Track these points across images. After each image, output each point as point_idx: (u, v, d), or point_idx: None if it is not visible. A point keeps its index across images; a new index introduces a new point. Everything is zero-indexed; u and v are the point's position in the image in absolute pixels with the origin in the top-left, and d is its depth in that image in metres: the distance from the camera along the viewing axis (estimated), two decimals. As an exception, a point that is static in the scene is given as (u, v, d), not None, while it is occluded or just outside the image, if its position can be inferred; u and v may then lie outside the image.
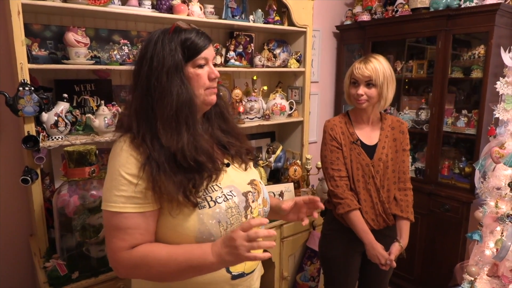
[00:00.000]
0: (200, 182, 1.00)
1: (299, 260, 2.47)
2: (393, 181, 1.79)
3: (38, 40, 1.85)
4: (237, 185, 1.09)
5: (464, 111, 2.61)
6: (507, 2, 2.30)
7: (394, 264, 1.70)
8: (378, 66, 1.67)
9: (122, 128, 1.06)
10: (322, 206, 1.19)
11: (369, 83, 1.69)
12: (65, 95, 1.84)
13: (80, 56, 1.82)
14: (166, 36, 1.02)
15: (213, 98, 1.10)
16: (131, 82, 1.07)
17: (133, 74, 1.05)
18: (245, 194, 1.09)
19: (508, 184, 1.89)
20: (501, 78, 1.95)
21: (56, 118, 1.76)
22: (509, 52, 1.96)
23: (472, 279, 2.06)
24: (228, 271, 1.06)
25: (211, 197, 1.02)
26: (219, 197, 1.03)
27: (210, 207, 1.00)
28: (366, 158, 1.75)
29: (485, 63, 2.36)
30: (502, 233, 1.94)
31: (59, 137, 1.79)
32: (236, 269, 1.08)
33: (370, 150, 1.77)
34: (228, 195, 1.05)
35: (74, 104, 1.97)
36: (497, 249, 1.94)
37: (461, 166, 2.70)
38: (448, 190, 2.59)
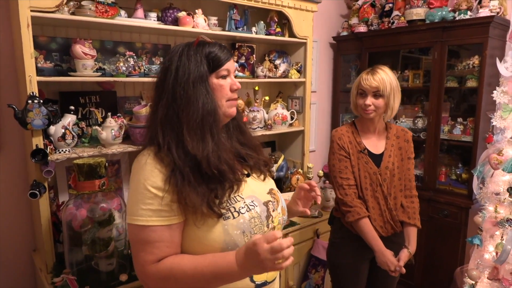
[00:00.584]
0: (222, 193, 1.02)
1: (304, 269, 2.48)
2: (399, 188, 1.83)
3: (44, 52, 1.84)
4: (257, 195, 1.11)
5: (460, 119, 2.69)
6: (499, 15, 2.39)
7: (404, 270, 1.73)
8: (385, 77, 1.72)
9: (146, 140, 1.08)
10: (318, 192, 1.24)
11: (377, 94, 1.73)
12: (72, 107, 1.83)
13: (87, 68, 1.81)
14: (191, 49, 1.06)
15: (234, 110, 1.13)
16: (153, 94, 1.09)
17: (157, 85, 1.08)
18: (266, 204, 1.11)
19: (507, 190, 1.95)
20: (497, 88, 2.03)
21: (63, 130, 1.75)
22: (504, 62, 2.05)
23: (473, 282, 2.11)
24: (252, 281, 1.08)
25: (234, 208, 1.03)
26: (242, 208, 1.04)
27: (234, 217, 1.02)
28: (373, 166, 1.79)
29: (480, 73, 2.45)
30: (502, 237, 2.00)
31: (66, 150, 1.77)
32: (260, 278, 1.09)
33: (377, 159, 1.81)
34: (251, 205, 1.07)
35: (79, 116, 1.96)
36: (497, 253, 1.99)
37: (458, 172, 2.77)
38: (446, 196, 2.66)
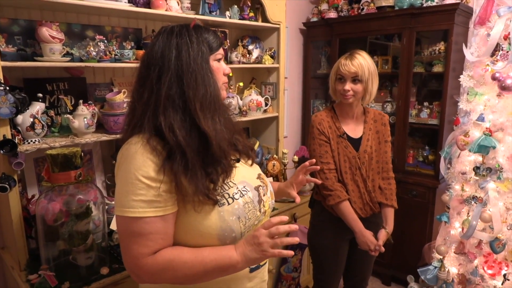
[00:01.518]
0: (216, 178, 1.00)
1: (282, 253, 2.52)
2: (377, 171, 1.89)
3: (5, 35, 1.70)
4: (248, 180, 1.11)
5: (426, 103, 2.81)
6: (463, 2, 2.50)
7: (383, 249, 1.81)
8: (364, 62, 1.75)
9: (132, 127, 1.01)
10: (315, 167, 1.35)
11: (355, 79, 1.76)
12: (40, 94, 1.72)
13: (55, 53, 1.70)
14: (189, 30, 1.03)
15: (225, 94, 1.14)
16: (140, 76, 1.02)
17: (146, 66, 1.01)
18: (257, 189, 1.12)
19: (473, 169, 2.07)
20: (463, 72, 2.13)
21: (32, 119, 1.64)
22: (469, 48, 2.15)
23: (441, 257, 2.23)
24: None
25: (228, 194, 1.03)
26: (236, 193, 1.04)
27: (229, 203, 1.01)
28: (352, 150, 1.83)
29: (446, 58, 2.55)
30: (468, 213, 2.12)
31: (35, 140, 1.66)
32: None
33: (355, 143, 1.85)
34: (243, 190, 1.07)
35: (47, 105, 1.84)
36: (463, 229, 2.11)
37: (425, 154, 2.90)
38: (414, 177, 2.78)
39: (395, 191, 1.92)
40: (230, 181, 1.06)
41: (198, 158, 0.97)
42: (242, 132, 1.23)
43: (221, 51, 1.09)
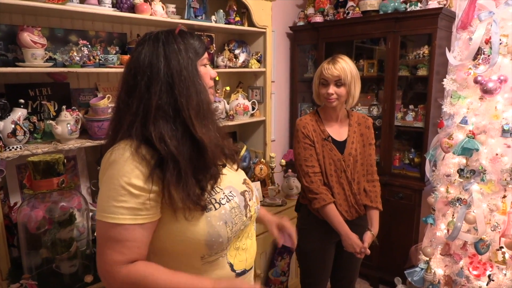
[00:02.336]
0: (205, 184, 1.00)
1: (270, 257, 2.50)
2: (362, 173, 1.90)
3: (-15, 40, 1.67)
4: (234, 185, 1.12)
5: (411, 106, 2.84)
6: (446, 6, 2.54)
7: (368, 251, 1.82)
8: (346, 66, 1.77)
9: (119, 133, 0.99)
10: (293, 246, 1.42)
11: (338, 83, 1.77)
12: (22, 100, 1.69)
13: (37, 58, 1.68)
14: (175, 36, 1.02)
15: (213, 98, 1.14)
16: (125, 83, 1.00)
17: (140, 75, 0.97)
18: (243, 194, 1.12)
19: (457, 171, 2.09)
20: (447, 76, 2.16)
21: (13, 126, 1.61)
22: (452, 52, 2.18)
23: (427, 259, 2.26)
24: (233, 270, 1.09)
25: (215, 199, 1.03)
26: (222, 199, 1.04)
27: (216, 209, 1.01)
28: (337, 153, 1.84)
29: (430, 62, 2.59)
30: (453, 215, 2.15)
31: (17, 147, 1.63)
32: (240, 267, 1.11)
33: (340, 146, 1.87)
34: (230, 195, 1.07)
35: (30, 110, 1.81)
36: (448, 230, 2.14)
37: (411, 156, 2.93)
38: (401, 180, 2.80)
39: (380, 194, 1.94)
40: (217, 186, 1.05)
41: (190, 166, 0.96)
42: (227, 137, 1.23)
43: (206, 55, 1.09)
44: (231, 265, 1.07)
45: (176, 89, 0.97)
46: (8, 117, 1.61)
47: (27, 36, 1.64)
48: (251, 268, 1.17)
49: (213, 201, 1.02)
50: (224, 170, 1.12)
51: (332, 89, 1.78)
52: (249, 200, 1.14)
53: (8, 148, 1.61)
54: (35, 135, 1.79)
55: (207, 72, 1.08)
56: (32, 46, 1.65)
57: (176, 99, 0.96)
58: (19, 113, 1.66)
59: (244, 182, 1.18)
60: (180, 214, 0.97)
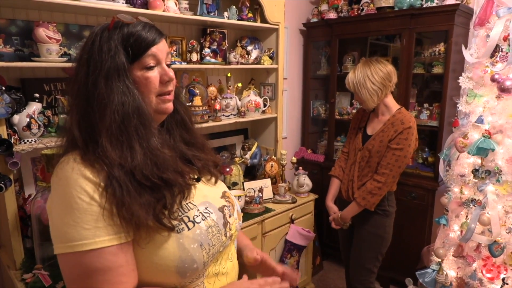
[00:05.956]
0: (171, 200, 0.85)
1: (280, 254, 2.51)
2: (373, 169, 2.00)
3: (2, 36, 1.71)
4: (211, 200, 0.97)
5: (426, 105, 2.79)
6: (464, 2, 2.48)
7: (334, 224, 2.20)
8: (350, 77, 1.99)
9: (66, 143, 0.87)
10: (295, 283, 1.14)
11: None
12: (37, 94, 1.73)
13: (52, 53, 1.71)
14: (104, 33, 0.85)
15: (168, 106, 0.93)
16: (70, 89, 0.87)
17: (72, 80, 0.86)
18: (222, 209, 0.98)
19: (472, 171, 2.05)
20: (463, 74, 2.11)
21: (28, 119, 1.65)
22: (469, 49, 2.13)
23: (439, 260, 2.22)
24: None
25: (188, 217, 0.88)
26: (197, 216, 0.89)
27: (189, 228, 0.86)
28: (359, 144, 2.09)
29: (446, 59, 2.54)
30: (466, 216, 2.11)
31: (32, 140, 1.67)
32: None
33: (366, 138, 2.08)
34: (205, 212, 0.92)
35: (44, 105, 1.85)
36: (461, 232, 2.10)
37: (425, 156, 2.88)
38: (414, 179, 2.76)
39: (371, 191, 1.99)
40: (190, 202, 0.91)
41: (135, 184, 0.80)
42: (206, 145, 1.09)
43: (155, 50, 0.87)
44: None
45: (91, 102, 0.82)
46: (24, 111, 1.65)
47: (42, 32, 1.67)
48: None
49: (185, 219, 0.87)
50: (199, 184, 0.98)
51: (355, 96, 2.07)
52: (229, 216, 0.99)
53: (23, 141, 1.65)
54: (49, 128, 1.83)
55: (151, 77, 0.88)
56: (47, 42, 1.69)
57: (92, 116, 0.82)
58: (34, 107, 1.69)
59: (223, 196, 1.03)
60: (139, 237, 0.82)
